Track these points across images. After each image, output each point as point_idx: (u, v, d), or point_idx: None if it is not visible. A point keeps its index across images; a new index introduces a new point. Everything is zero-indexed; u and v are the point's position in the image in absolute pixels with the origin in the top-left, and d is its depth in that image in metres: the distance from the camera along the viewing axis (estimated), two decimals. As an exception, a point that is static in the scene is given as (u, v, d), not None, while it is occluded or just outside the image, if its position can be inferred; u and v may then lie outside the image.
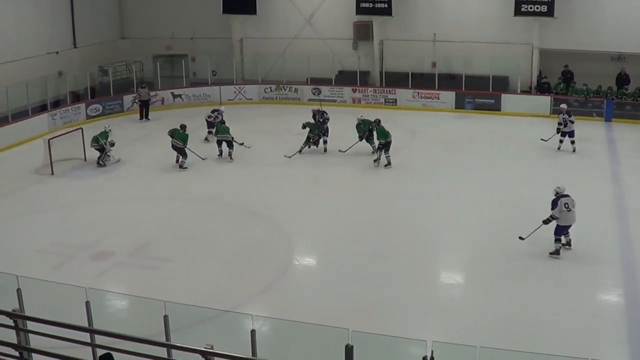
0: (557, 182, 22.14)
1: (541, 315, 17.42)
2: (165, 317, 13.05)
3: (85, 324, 13.39)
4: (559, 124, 31.68)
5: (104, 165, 30.00)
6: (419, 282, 19.47)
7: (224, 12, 44.91)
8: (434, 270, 20.83)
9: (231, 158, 30.41)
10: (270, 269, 20.32)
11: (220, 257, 21.28)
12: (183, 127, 30.37)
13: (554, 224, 20.57)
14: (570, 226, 20.74)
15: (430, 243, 22.35)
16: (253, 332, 12.51)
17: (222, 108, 35.33)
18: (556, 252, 20.65)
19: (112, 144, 30.14)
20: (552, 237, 20.66)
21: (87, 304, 13.56)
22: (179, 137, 29.81)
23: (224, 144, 30.71)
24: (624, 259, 20.87)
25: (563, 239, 20.85)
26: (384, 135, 29.59)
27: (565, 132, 31.48)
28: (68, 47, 42.45)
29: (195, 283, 19.24)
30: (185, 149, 29.69)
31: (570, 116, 31.17)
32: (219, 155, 30.88)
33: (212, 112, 34.07)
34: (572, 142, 31.47)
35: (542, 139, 32.40)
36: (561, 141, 31.79)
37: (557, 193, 20.73)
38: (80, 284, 14.31)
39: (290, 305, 17.89)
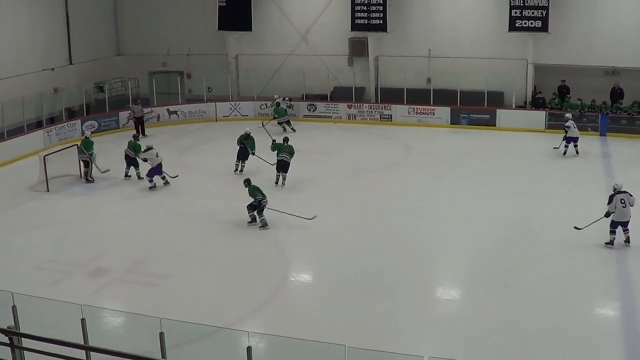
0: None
1: (537, 328, 17.41)
2: (161, 334, 13.03)
3: (81, 341, 13.38)
4: (567, 127, 33.48)
5: (93, 181, 29.96)
6: (415, 298, 19.41)
7: (219, 28, 44.97)
8: (430, 285, 20.76)
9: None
10: (267, 286, 20.25)
11: (217, 273, 21.24)
12: (135, 136, 30.69)
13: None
14: (627, 222, 21.94)
15: (426, 258, 22.30)
16: (249, 349, 12.51)
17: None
18: (610, 243, 22.07)
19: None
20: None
21: (83, 321, 13.55)
22: (131, 147, 30.04)
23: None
24: (619, 271, 21.01)
25: (623, 235, 22.13)
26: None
27: (571, 138, 33.35)
28: (64, 64, 42.43)
29: (191, 300, 19.18)
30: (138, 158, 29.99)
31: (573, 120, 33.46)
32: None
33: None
34: (576, 146, 33.50)
35: (554, 148, 34.00)
36: (566, 146, 33.48)
37: (614, 189, 22.20)
38: (76, 301, 14.33)
39: (286, 322, 17.84)
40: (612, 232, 22.01)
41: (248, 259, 22.20)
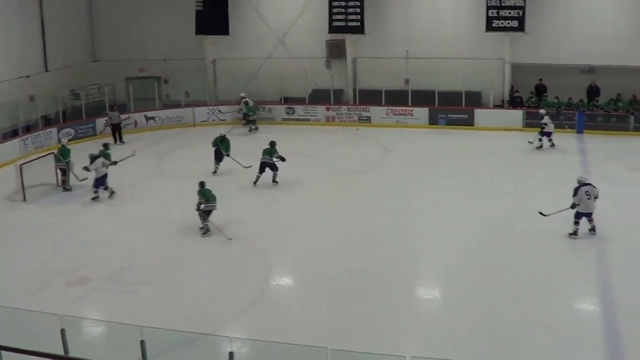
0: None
1: (519, 326, 17.52)
2: (142, 342, 12.94)
3: (61, 352, 13.25)
4: (544, 124, 34.57)
5: (70, 190, 29.73)
6: (397, 298, 19.41)
7: (196, 33, 44.85)
8: (412, 285, 20.77)
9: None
10: (248, 290, 20.16)
11: (197, 279, 21.08)
12: (106, 145, 30.63)
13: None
14: (590, 213, 22.59)
15: (407, 259, 22.26)
16: (231, 354, 12.47)
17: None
18: (574, 233, 22.82)
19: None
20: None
21: (63, 331, 13.43)
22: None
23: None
24: (598, 267, 21.21)
25: (588, 224, 22.94)
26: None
27: (547, 132, 34.65)
28: (39, 71, 42.09)
29: (172, 306, 19.05)
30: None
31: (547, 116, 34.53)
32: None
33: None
34: (550, 140, 34.78)
35: (529, 142, 34.86)
36: (540, 140, 34.72)
37: (579, 182, 22.88)
38: (56, 311, 14.23)
39: (269, 326, 17.75)
40: (577, 222, 22.78)
41: (229, 264, 22.11)
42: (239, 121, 40.77)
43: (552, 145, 34.67)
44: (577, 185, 22.89)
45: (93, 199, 28.57)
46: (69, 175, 29.88)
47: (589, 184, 22.79)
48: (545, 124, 34.54)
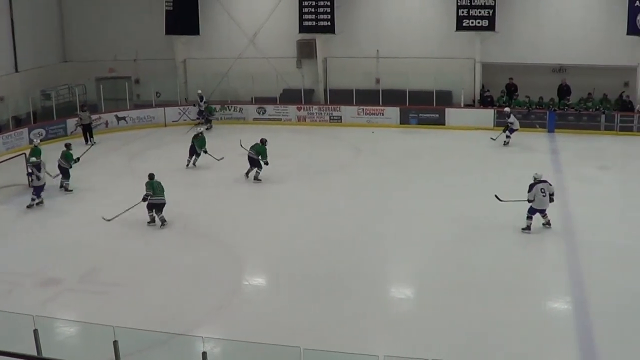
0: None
1: (492, 324, 17.62)
2: (115, 343, 12.96)
3: (34, 353, 13.25)
4: (510, 122, 35.16)
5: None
6: (369, 298, 19.47)
7: (166, 33, 44.77)
8: (384, 285, 20.82)
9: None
10: (221, 290, 20.18)
11: (170, 279, 21.05)
12: (68, 145, 30.38)
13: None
14: (544, 210, 23.01)
15: (379, 258, 22.29)
16: (204, 354, 12.50)
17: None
18: (527, 228, 23.23)
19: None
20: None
21: (36, 332, 13.43)
22: (64, 157, 29.72)
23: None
24: (570, 266, 21.27)
25: (542, 219, 23.48)
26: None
27: (514, 129, 35.26)
28: (9, 72, 41.84)
29: (145, 307, 19.04)
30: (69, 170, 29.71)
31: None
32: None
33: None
34: (508, 137, 35.47)
35: (491, 138, 35.48)
36: (508, 136, 35.29)
37: (534, 179, 23.10)
38: (28, 312, 14.17)
39: (241, 326, 17.80)
40: (529, 217, 23.17)
41: (201, 264, 22.07)
42: (194, 122, 40.66)
43: (507, 143, 35.49)
44: (532, 182, 23.23)
45: (28, 206, 27.97)
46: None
47: (545, 182, 23.19)
48: (512, 122, 34.98)
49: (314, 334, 17.06)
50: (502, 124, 36.90)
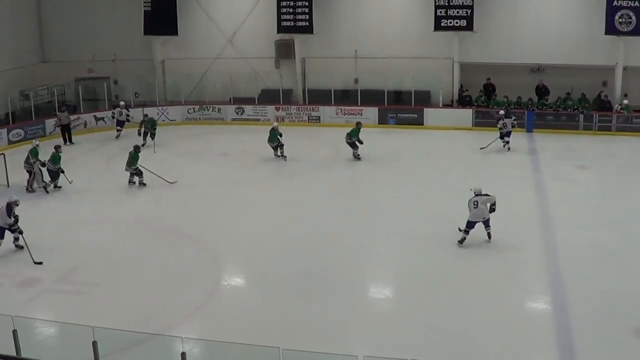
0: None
1: (471, 324, 17.68)
2: (94, 343, 13.01)
3: (13, 353, 13.28)
4: (500, 129, 33.89)
5: (34, 192, 29.45)
6: (349, 298, 19.51)
7: (145, 33, 44.75)
8: (363, 285, 20.85)
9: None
10: (199, 291, 20.19)
11: (149, 280, 21.07)
12: (57, 148, 30.39)
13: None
14: (487, 220, 22.50)
15: (358, 258, 22.37)
16: (183, 354, 12.55)
17: (122, 103, 37.84)
18: (461, 241, 22.53)
19: (43, 164, 29.45)
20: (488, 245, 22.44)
21: (15, 332, 13.45)
22: (52, 160, 29.70)
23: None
24: (550, 266, 21.34)
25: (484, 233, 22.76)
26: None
27: (509, 132, 34.25)
28: (-13, 72, 41.83)
29: (124, 307, 19.04)
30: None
31: (511, 118, 34.22)
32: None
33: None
34: (507, 142, 34.23)
35: (481, 148, 34.23)
36: (507, 142, 34.35)
37: (474, 193, 22.63)
38: (6, 312, 14.18)
39: (220, 326, 17.81)
40: (465, 231, 22.52)
41: (179, 265, 22.08)
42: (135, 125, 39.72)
43: (509, 148, 34.47)
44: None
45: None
46: (33, 178, 29.51)
47: (483, 195, 22.58)
48: (505, 124, 34.26)
49: (293, 334, 17.10)
50: (482, 124, 37.31)
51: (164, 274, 21.38)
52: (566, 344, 16.93)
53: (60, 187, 29.56)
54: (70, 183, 29.57)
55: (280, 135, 33.35)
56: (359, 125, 33.07)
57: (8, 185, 29.72)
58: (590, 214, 25.82)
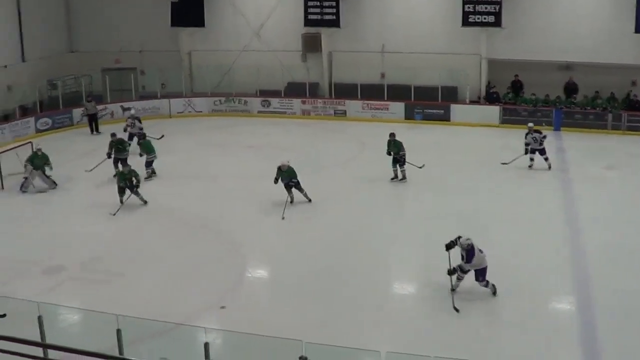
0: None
1: (495, 323, 17.66)
2: (118, 331, 13.05)
3: (38, 339, 13.35)
4: (527, 144, 30.52)
5: (25, 192, 28.80)
6: (372, 294, 19.49)
7: (172, 25, 44.88)
8: (386, 281, 20.81)
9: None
10: (223, 282, 20.28)
11: (172, 270, 21.15)
12: (113, 135, 30.66)
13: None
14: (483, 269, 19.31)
15: (381, 255, 22.31)
16: (206, 344, 12.55)
17: (133, 110, 36.60)
18: (452, 289, 19.18)
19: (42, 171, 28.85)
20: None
21: (40, 318, 13.52)
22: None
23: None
24: (575, 266, 21.18)
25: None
26: (399, 148, 29.20)
27: (536, 149, 30.45)
28: (16, 61, 42.01)
29: (147, 296, 19.15)
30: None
31: (541, 133, 30.38)
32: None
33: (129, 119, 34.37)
34: (546, 160, 30.58)
35: (502, 163, 31.05)
36: (532, 159, 30.61)
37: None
38: (32, 299, 14.26)
39: (243, 318, 17.81)
40: (460, 278, 19.21)
41: (203, 256, 22.19)
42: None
43: (550, 167, 30.69)
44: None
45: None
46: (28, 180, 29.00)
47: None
48: (535, 139, 30.38)
49: (316, 328, 17.09)
50: (509, 121, 37.17)
51: (187, 265, 21.48)
52: (590, 343, 16.87)
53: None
54: (90, 170, 30.10)
55: (293, 175, 26.88)
56: (391, 136, 29.77)
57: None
58: (617, 214, 25.47)
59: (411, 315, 18.54)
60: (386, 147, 29.28)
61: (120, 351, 13.01)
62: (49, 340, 13.34)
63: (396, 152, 29.09)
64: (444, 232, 22.86)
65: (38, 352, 12.97)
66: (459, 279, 19.04)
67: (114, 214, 25.58)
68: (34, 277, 20.55)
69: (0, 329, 13.00)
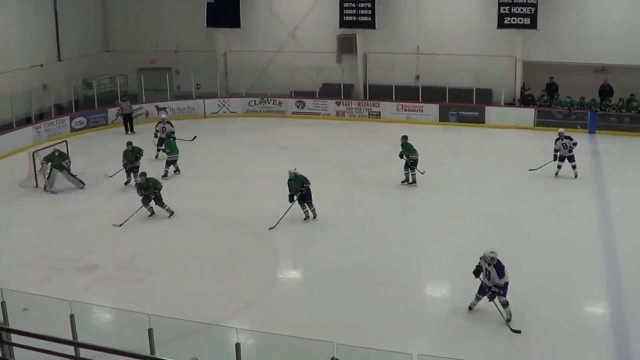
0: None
1: (527, 327, 17.43)
2: (150, 330, 13.06)
3: (70, 337, 13.40)
4: (556, 150, 29.66)
5: (52, 192, 28.90)
6: (404, 296, 19.45)
7: (208, 25, 44.96)
8: (419, 283, 20.80)
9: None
10: (255, 283, 20.30)
11: (205, 270, 21.23)
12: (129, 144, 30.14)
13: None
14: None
15: (415, 256, 22.30)
16: (238, 345, 12.54)
17: (164, 115, 36.32)
18: (469, 307, 18.53)
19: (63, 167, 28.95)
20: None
21: (72, 316, 13.57)
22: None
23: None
24: (609, 270, 21.00)
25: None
26: (410, 151, 28.97)
27: (565, 156, 29.57)
28: (52, 60, 42.36)
29: (180, 296, 19.22)
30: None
31: (571, 139, 29.61)
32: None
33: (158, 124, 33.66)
34: (574, 167, 29.69)
35: (530, 169, 30.36)
36: (559, 167, 29.73)
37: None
38: (65, 297, 14.31)
39: (275, 319, 17.85)
40: (477, 297, 18.42)
41: (239, 257, 22.20)
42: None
43: (576, 175, 29.76)
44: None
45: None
46: (47, 178, 29.06)
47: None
48: (565, 145, 29.51)
49: (348, 330, 17.01)
50: (544, 124, 36.91)
51: (220, 265, 21.52)
52: (623, 349, 16.73)
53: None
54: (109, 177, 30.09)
55: (305, 181, 25.53)
56: (404, 138, 29.42)
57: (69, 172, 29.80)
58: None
59: (443, 318, 18.45)
60: (401, 150, 29.04)
61: (152, 351, 13.02)
62: (80, 338, 13.38)
63: (408, 155, 28.91)
64: (478, 235, 22.91)
65: (70, 350, 13.00)
66: (478, 298, 18.42)
67: (150, 216, 25.63)
68: (69, 275, 20.74)
69: (33, 327, 13.06)
